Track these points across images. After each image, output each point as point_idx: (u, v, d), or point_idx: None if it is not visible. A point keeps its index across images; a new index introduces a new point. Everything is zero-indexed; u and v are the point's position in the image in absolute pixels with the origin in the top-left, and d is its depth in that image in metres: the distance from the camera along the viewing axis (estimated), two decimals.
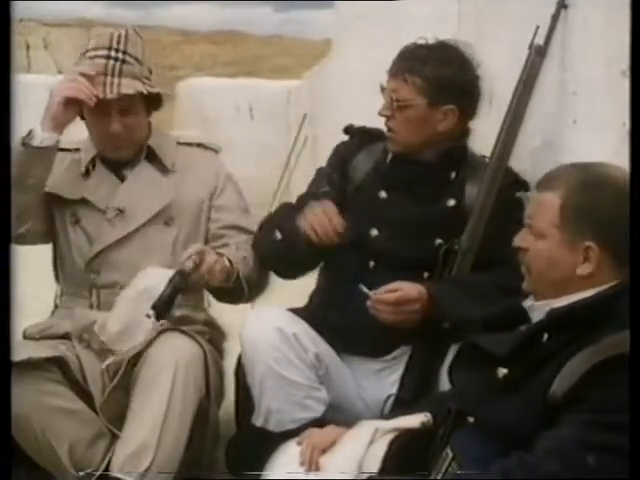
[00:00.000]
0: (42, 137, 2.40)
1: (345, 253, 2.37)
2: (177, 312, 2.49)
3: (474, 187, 2.36)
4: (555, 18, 2.36)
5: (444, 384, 2.14)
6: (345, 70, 5.08)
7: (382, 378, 2.37)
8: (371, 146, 2.47)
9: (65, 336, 2.47)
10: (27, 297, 2.25)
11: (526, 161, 2.48)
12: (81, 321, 2.48)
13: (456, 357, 1.95)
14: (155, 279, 2.37)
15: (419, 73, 2.31)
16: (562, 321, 1.70)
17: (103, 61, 2.42)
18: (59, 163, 2.52)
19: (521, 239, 1.81)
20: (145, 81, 2.46)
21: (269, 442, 2.10)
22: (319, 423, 2.16)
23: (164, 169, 2.56)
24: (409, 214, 2.36)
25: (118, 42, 2.44)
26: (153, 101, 2.53)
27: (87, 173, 2.55)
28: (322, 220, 2.29)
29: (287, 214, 2.42)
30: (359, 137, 2.51)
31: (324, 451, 1.91)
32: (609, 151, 2.13)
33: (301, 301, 2.52)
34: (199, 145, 2.66)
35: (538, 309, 1.77)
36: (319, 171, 2.55)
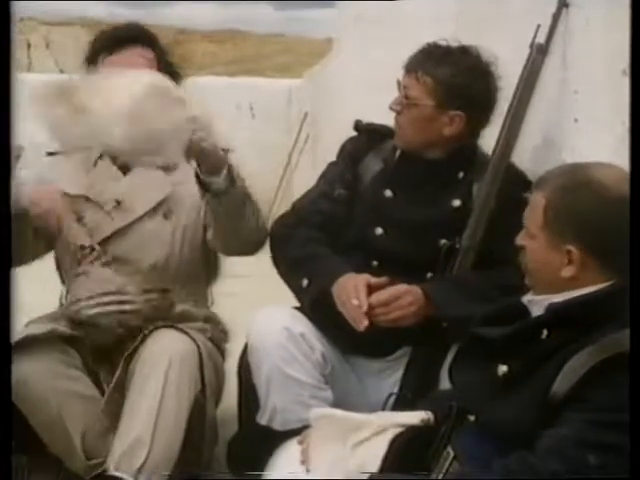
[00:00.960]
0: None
1: (348, 252, 2.37)
2: (178, 307, 2.51)
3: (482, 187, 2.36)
4: (556, 17, 2.36)
5: (445, 384, 2.14)
6: (346, 69, 5.08)
7: (384, 378, 2.38)
8: (380, 145, 2.46)
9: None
10: (27, 297, 2.25)
11: (527, 160, 2.48)
12: None
13: (456, 356, 1.95)
14: None
15: (431, 73, 2.29)
16: (561, 316, 1.70)
17: None
18: (62, 166, 2.55)
19: (520, 237, 1.82)
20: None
21: (272, 441, 2.11)
22: None
23: (168, 167, 2.56)
24: (414, 214, 2.35)
25: None
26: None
27: (94, 165, 2.58)
28: (352, 304, 2.20)
29: (316, 257, 2.34)
30: (368, 135, 2.50)
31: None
32: (610, 150, 2.12)
33: None
34: None
35: (538, 303, 1.77)
36: (331, 167, 2.53)
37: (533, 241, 1.76)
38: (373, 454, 1.80)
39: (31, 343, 2.32)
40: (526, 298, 1.81)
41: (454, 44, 2.34)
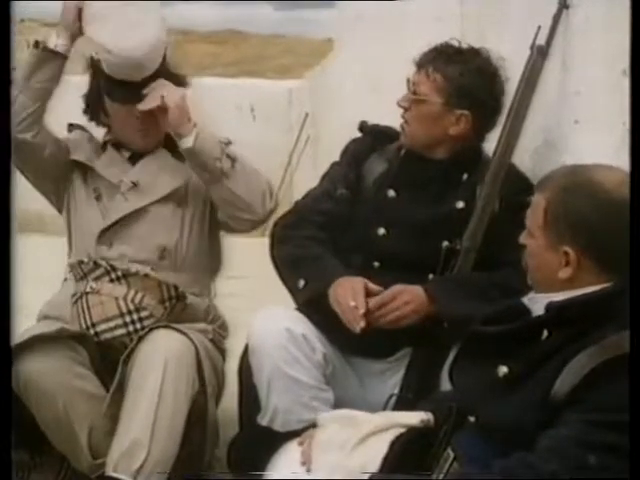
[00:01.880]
0: (56, 42, 2.47)
1: (350, 252, 2.37)
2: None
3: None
4: (557, 18, 2.36)
5: (445, 384, 2.14)
6: (347, 70, 5.08)
7: (385, 379, 2.37)
8: (384, 146, 2.47)
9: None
10: (27, 297, 2.25)
11: (528, 160, 2.49)
12: None
13: (456, 357, 1.95)
14: None
15: (442, 71, 2.31)
16: (561, 316, 1.70)
17: None
18: (84, 141, 2.62)
19: (523, 236, 1.82)
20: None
21: (273, 442, 2.10)
22: None
23: (181, 156, 2.57)
24: (417, 214, 2.36)
25: None
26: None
27: (101, 150, 2.62)
28: (349, 306, 2.22)
29: (314, 258, 2.36)
30: (373, 136, 2.50)
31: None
32: (611, 151, 2.13)
33: None
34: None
35: (538, 302, 1.77)
36: (334, 167, 2.54)
37: (533, 241, 1.77)
38: (374, 454, 1.80)
39: (40, 341, 2.33)
40: (527, 297, 1.81)
41: (465, 45, 2.36)
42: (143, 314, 2.42)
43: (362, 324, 2.19)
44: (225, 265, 2.76)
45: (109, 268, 2.46)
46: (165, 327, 2.39)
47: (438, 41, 2.39)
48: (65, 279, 2.63)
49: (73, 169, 2.61)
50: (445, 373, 2.13)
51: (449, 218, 2.35)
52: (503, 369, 1.73)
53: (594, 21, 2.28)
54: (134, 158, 2.62)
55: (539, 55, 2.37)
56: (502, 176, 2.33)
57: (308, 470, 1.87)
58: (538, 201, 1.75)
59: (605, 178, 1.70)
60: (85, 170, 2.61)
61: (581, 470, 1.54)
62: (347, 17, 5.06)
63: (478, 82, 2.31)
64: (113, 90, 2.50)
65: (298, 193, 2.65)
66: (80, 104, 2.64)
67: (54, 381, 2.31)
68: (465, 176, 2.38)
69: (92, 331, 2.41)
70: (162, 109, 2.43)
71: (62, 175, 2.62)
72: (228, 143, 2.52)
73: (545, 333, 1.71)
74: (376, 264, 2.36)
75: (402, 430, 1.85)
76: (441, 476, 1.73)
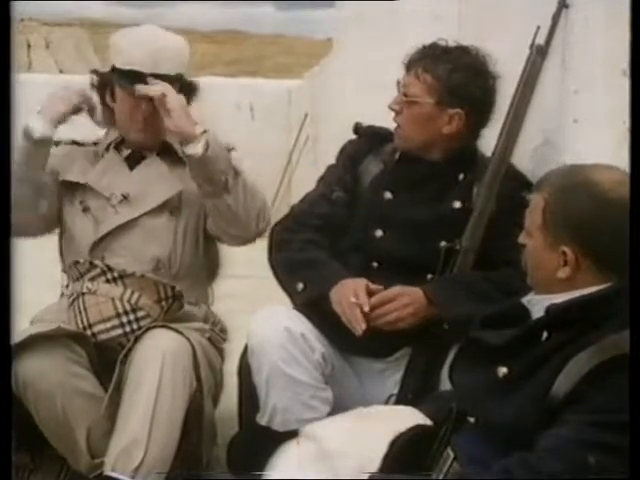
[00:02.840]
0: (41, 130, 2.44)
1: (348, 254, 2.37)
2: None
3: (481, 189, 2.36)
4: (556, 17, 2.36)
5: (445, 384, 2.15)
6: (346, 69, 5.08)
7: (385, 378, 2.37)
8: (380, 148, 2.46)
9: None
10: (27, 297, 2.25)
11: (527, 160, 2.48)
12: None
13: (456, 357, 1.95)
14: None
15: (431, 71, 2.30)
16: (561, 318, 1.70)
17: None
18: (73, 155, 2.58)
19: (522, 236, 1.82)
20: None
21: (272, 441, 2.09)
22: None
23: (177, 163, 2.56)
24: (414, 215, 2.35)
25: None
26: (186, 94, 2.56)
27: (100, 156, 2.59)
28: (351, 306, 2.21)
29: (312, 262, 2.35)
30: (368, 138, 2.50)
31: None
32: (610, 150, 2.13)
33: None
34: None
35: (538, 303, 1.77)
36: (330, 170, 2.53)
37: (532, 241, 1.77)
38: (373, 454, 1.80)
39: (37, 341, 2.32)
40: (526, 298, 1.81)
41: (453, 44, 2.34)
42: (140, 314, 2.41)
43: (363, 325, 2.19)
44: (224, 265, 2.75)
45: (105, 268, 2.45)
46: (162, 326, 2.38)
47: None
48: (62, 294, 2.62)
49: (61, 189, 2.58)
50: (445, 373, 2.13)
51: (446, 218, 2.34)
52: (503, 370, 1.73)
53: (594, 21, 2.28)
54: (132, 160, 2.59)
55: (538, 55, 2.37)
56: (501, 176, 2.33)
57: (307, 470, 1.88)
58: (536, 201, 1.75)
59: (603, 178, 1.70)
60: (73, 185, 2.58)
61: (581, 470, 1.54)
62: (347, 17, 5.06)
63: (469, 80, 2.30)
64: (123, 77, 2.48)
65: (297, 193, 2.65)
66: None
67: (52, 381, 2.30)
68: (461, 176, 2.38)
69: (89, 332, 2.39)
70: (164, 108, 2.41)
71: (54, 201, 2.59)
72: (232, 149, 2.52)
73: (545, 334, 1.71)
74: (374, 265, 2.36)
75: (402, 430, 1.85)
76: (441, 476, 1.73)
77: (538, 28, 2.36)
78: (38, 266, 3.39)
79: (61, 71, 19.10)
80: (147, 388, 2.27)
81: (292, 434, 2.09)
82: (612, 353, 1.58)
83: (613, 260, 1.68)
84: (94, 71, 2.61)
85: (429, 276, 2.32)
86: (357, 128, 2.53)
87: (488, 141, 2.42)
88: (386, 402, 2.28)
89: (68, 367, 2.35)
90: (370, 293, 2.23)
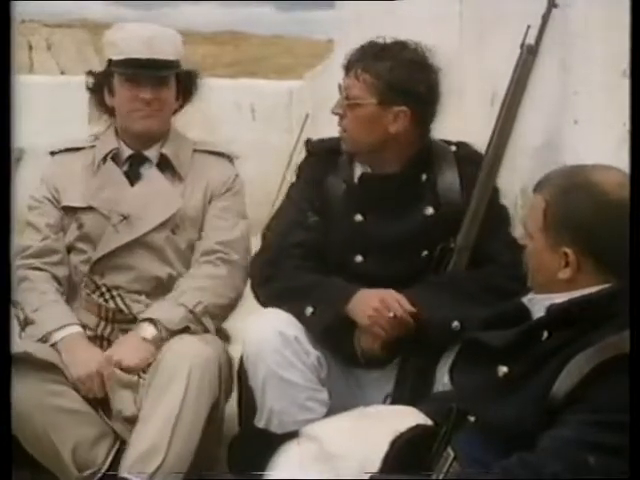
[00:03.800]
0: None
1: (334, 276, 2.33)
2: None
3: (447, 181, 2.33)
4: (546, 17, 2.35)
5: (441, 383, 2.15)
6: None
7: (381, 384, 2.35)
8: (337, 164, 2.41)
9: None
10: None
11: (527, 161, 2.49)
12: None
13: (457, 356, 1.96)
14: None
15: (370, 71, 2.26)
16: (562, 318, 1.70)
17: None
18: (71, 169, 2.57)
19: (522, 238, 1.83)
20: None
21: (271, 443, 2.09)
22: None
23: (176, 178, 2.56)
24: (390, 233, 2.32)
25: None
26: (185, 89, 2.59)
27: (97, 168, 2.56)
28: (391, 306, 2.20)
29: (312, 285, 2.30)
30: (321, 155, 2.46)
31: None
32: (610, 151, 2.13)
33: None
34: (214, 153, 2.66)
35: (538, 303, 1.78)
36: (295, 191, 2.48)
37: (533, 242, 1.77)
38: (374, 454, 1.80)
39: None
40: (527, 298, 1.82)
41: (389, 40, 2.30)
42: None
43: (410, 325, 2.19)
44: None
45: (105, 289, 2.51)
46: (188, 333, 2.39)
47: (438, 41, 2.38)
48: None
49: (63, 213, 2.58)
50: (438, 372, 2.16)
51: (422, 227, 2.32)
52: (503, 369, 1.73)
53: (594, 21, 2.29)
54: (132, 174, 2.57)
55: (529, 54, 2.35)
56: (495, 174, 2.32)
57: (308, 470, 1.88)
58: (537, 203, 1.76)
59: (604, 179, 1.70)
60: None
61: (581, 470, 1.54)
62: (347, 18, 5.06)
63: (410, 75, 2.26)
64: (121, 66, 2.49)
65: None
66: (79, 105, 2.64)
67: (28, 404, 2.25)
68: (424, 177, 2.35)
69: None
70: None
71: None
72: (235, 157, 2.59)
73: (545, 334, 1.72)
74: (362, 285, 2.30)
75: (402, 430, 1.85)
76: (441, 476, 1.73)
77: (528, 27, 2.34)
78: None
79: (62, 73, 19.11)
80: (173, 396, 2.27)
81: (290, 435, 2.10)
82: (612, 353, 1.58)
83: (614, 261, 1.69)
84: (89, 72, 2.60)
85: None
86: (308, 146, 2.51)
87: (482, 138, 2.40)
88: (383, 402, 2.27)
89: (43, 387, 2.32)
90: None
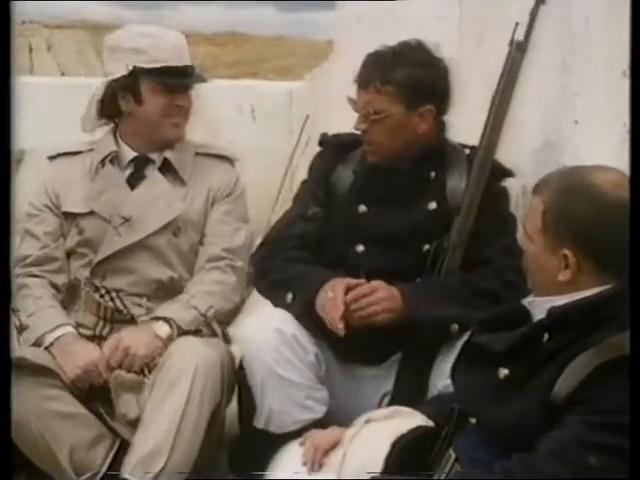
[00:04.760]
0: None
1: (334, 267, 2.34)
2: None
3: (455, 181, 2.35)
4: (534, 14, 2.36)
5: (437, 384, 2.17)
6: (347, 71, 5.07)
7: (379, 382, 2.36)
8: (348, 156, 2.44)
9: None
10: None
11: (527, 161, 2.49)
12: None
13: (458, 358, 1.96)
14: None
15: (391, 82, 2.29)
16: (562, 320, 1.70)
17: None
18: (70, 172, 2.56)
19: (522, 240, 1.83)
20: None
21: (271, 444, 2.10)
22: (321, 424, 2.16)
23: (177, 181, 2.56)
24: (392, 226, 2.34)
25: None
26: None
27: (96, 172, 2.56)
28: (332, 308, 2.21)
29: (297, 274, 2.34)
30: (335, 148, 2.48)
31: (327, 451, 1.92)
32: (610, 151, 2.13)
33: None
34: (216, 156, 2.66)
35: (539, 305, 1.78)
36: (303, 186, 2.52)
37: (532, 245, 1.77)
38: (375, 455, 1.80)
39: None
40: (527, 300, 1.81)
41: (394, 44, 2.34)
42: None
43: (340, 325, 2.18)
44: None
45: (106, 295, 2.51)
46: (191, 335, 2.39)
47: (438, 41, 2.39)
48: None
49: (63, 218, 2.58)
50: (436, 371, 2.18)
51: (424, 221, 2.33)
52: (504, 371, 1.73)
53: (594, 22, 2.29)
54: (134, 178, 2.57)
55: (518, 51, 2.36)
56: (487, 171, 2.32)
57: (310, 471, 1.88)
58: (536, 204, 1.75)
59: (603, 180, 1.70)
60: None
61: (582, 471, 1.54)
62: (347, 18, 5.06)
63: (427, 73, 2.30)
64: (154, 74, 2.49)
65: None
66: (80, 106, 2.62)
67: (23, 409, 2.25)
68: (432, 174, 2.37)
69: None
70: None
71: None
72: (235, 160, 2.60)
73: (546, 336, 1.71)
74: (362, 276, 2.32)
75: (404, 431, 1.85)
76: (442, 477, 1.73)
77: (517, 25, 2.35)
78: None
79: (63, 74, 19.11)
80: (176, 398, 2.27)
81: (290, 436, 2.10)
82: (613, 354, 1.58)
83: (614, 262, 1.69)
84: (110, 80, 2.53)
85: (418, 280, 2.32)
86: (323, 140, 2.52)
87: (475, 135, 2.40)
88: (380, 401, 2.28)
89: (38, 392, 2.33)
90: (350, 288, 2.22)
